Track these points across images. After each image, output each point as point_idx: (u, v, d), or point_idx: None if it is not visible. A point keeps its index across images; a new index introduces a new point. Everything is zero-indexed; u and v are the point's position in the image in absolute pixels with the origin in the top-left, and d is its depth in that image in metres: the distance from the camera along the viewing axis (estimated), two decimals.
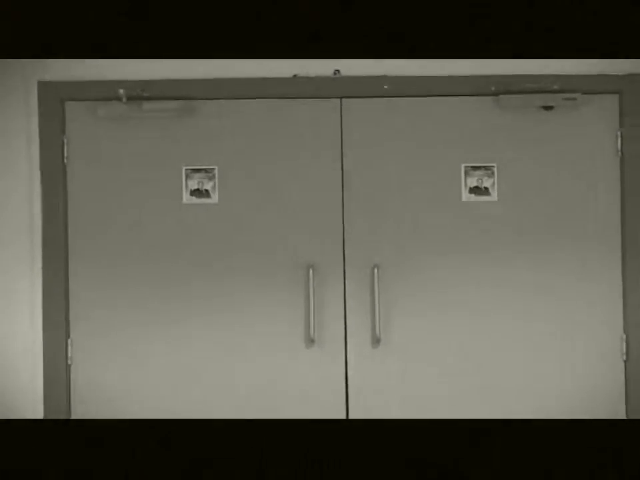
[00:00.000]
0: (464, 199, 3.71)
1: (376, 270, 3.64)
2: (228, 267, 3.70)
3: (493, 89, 3.69)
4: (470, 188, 3.71)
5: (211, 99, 3.70)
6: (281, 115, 3.71)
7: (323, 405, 3.64)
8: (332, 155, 3.71)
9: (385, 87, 3.68)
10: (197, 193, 3.71)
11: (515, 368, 3.68)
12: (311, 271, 3.64)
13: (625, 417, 3.63)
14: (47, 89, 3.71)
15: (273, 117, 3.71)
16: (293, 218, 3.70)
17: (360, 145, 3.71)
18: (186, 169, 3.71)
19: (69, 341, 3.72)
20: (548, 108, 3.71)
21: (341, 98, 3.71)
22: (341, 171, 3.70)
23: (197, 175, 3.70)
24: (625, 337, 3.70)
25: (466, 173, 3.70)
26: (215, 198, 3.70)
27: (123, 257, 3.70)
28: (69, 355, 3.72)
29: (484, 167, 3.70)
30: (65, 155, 3.72)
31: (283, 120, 3.71)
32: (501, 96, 3.68)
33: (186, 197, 3.71)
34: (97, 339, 3.71)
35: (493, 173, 3.69)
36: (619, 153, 3.72)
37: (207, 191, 3.71)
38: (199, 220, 3.71)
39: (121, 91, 3.64)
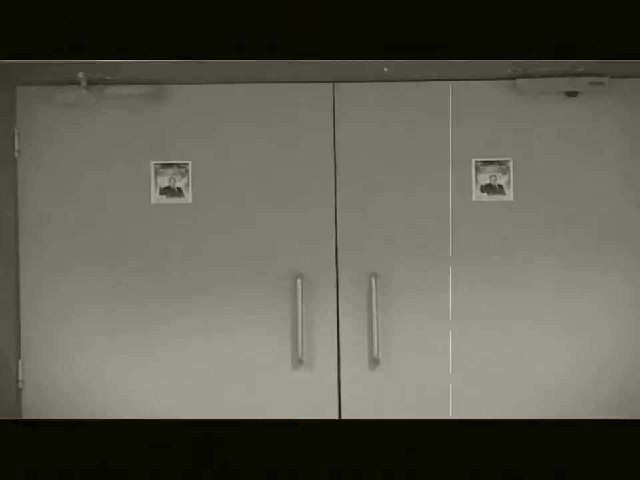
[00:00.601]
0: (474, 198, 3.53)
1: (373, 280, 3.46)
2: (203, 277, 3.52)
3: (509, 71, 3.51)
4: (482, 186, 3.53)
5: (183, 83, 3.53)
6: (265, 103, 3.54)
7: None
8: (323, 148, 3.54)
9: (385, 69, 3.50)
10: (167, 191, 3.54)
11: (543, 386, 3.49)
12: (299, 281, 3.47)
13: None
14: None
15: (255, 104, 3.53)
16: (278, 221, 3.53)
17: (355, 137, 3.54)
18: (155, 164, 3.54)
19: (20, 362, 3.52)
20: (572, 94, 3.53)
21: (333, 82, 3.53)
22: (333, 167, 3.54)
23: (168, 170, 3.54)
24: None
25: (477, 169, 3.53)
26: (188, 197, 3.53)
27: (82, 267, 3.52)
28: (20, 377, 3.52)
29: (497, 161, 3.53)
30: (16, 147, 3.54)
31: (267, 108, 3.54)
32: (518, 80, 3.50)
33: (155, 197, 3.54)
34: (51, 359, 3.52)
35: (507, 169, 3.53)
36: None
37: (179, 189, 3.53)
38: (170, 223, 3.53)
39: (81, 74, 3.47)
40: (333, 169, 3.54)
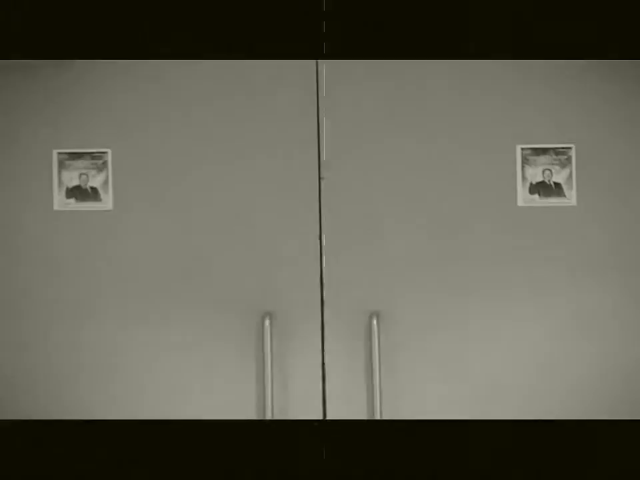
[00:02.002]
0: (521, 202, 3.06)
1: (375, 321, 2.99)
2: (130, 316, 3.04)
3: None
4: (531, 184, 3.04)
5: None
6: (223, 68, 3.08)
7: None
8: (304, 141, 3.08)
9: None
10: (77, 192, 3.07)
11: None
12: (267, 322, 2.98)
13: None
14: None
15: (210, 68, 3.07)
16: (239, 238, 3.06)
17: (347, 128, 3.09)
18: (59, 154, 3.08)
19: None
20: None
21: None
22: (317, 167, 3.08)
23: (78, 163, 3.08)
24: None
25: (525, 160, 3.06)
26: (107, 202, 3.08)
27: None
28: None
29: (554, 149, 3.05)
30: None
31: (225, 75, 3.07)
32: None
33: (59, 200, 3.08)
34: None
35: (568, 160, 3.05)
36: None
37: (94, 189, 3.08)
38: (82, 237, 3.06)
39: None
40: (317, 173, 3.03)
